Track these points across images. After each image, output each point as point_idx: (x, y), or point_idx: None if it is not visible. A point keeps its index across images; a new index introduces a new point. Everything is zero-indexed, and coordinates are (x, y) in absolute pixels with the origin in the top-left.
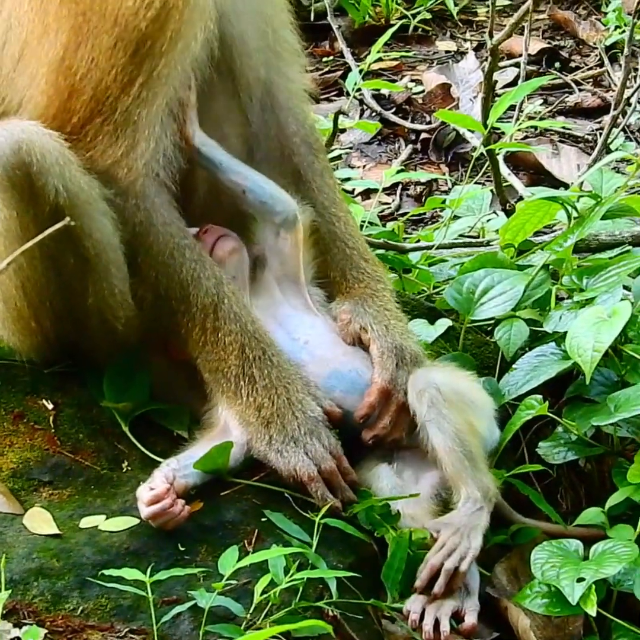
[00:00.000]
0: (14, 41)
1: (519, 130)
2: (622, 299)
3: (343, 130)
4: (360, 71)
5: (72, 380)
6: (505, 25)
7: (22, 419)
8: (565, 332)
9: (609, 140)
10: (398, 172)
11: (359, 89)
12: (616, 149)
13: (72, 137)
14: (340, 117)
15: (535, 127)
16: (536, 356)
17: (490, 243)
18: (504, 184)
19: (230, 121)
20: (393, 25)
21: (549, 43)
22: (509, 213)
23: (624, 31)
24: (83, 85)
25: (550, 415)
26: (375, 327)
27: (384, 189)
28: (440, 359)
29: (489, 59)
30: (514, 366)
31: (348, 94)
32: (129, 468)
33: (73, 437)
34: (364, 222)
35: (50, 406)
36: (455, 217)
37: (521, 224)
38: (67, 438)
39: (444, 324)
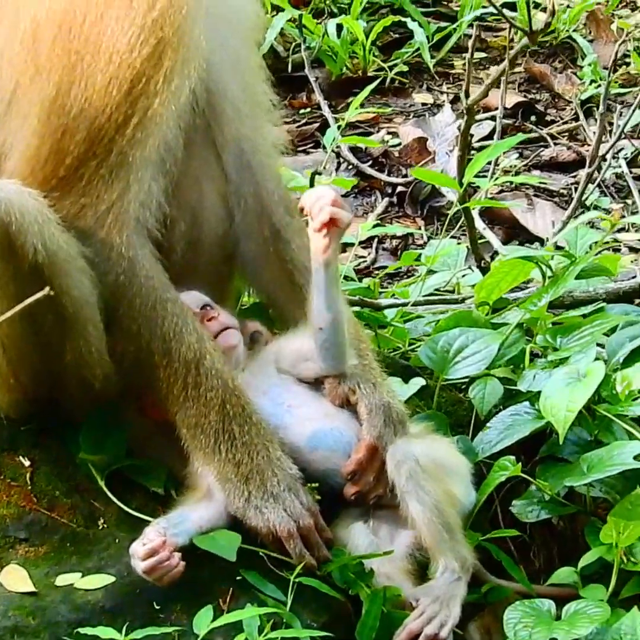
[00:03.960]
0: (5, 82)
1: (494, 184)
2: (595, 359)
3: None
4: (339, 127)
5: (49, 437)
6: (481, 78)
7: None
8: (539, 391)
9: (584, 197)
10: (374, 226)
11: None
12: (591, 204)
13: (64, 182)
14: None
15: (511, 181)
16: (510, 415)
17: (465, 300)
18: (480, 241)
19: (209, 178)
20: (370, 77)
21: (525, 96)
22: (483, 270)
23: (599, 85)
24: (77, 124)
25: (524, 475)
26: (363, 385)
27: (360, 242)
28: (414, 418)
29: (465, 117)
30: (488, 425)
31: (325, 147)
32: (105, 525)
33: (49, 493)
34: (340, 275)
35: (27, 463)
36: (431, 271)
37: (496, 282)
38: (43, 495)
39: (417, 383)
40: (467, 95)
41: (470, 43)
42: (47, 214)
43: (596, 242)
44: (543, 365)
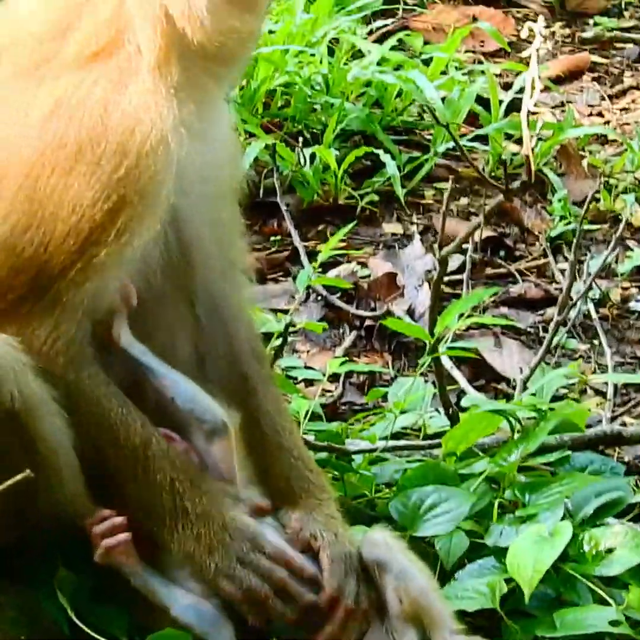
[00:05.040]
0: None
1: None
2: (563, 517)
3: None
4: (313, 266)
5: (15, 580)
6: (451, 210)
7: None
8: (506, 547)
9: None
10: (342, 364)
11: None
12: (559, 344)
13: (4, 315)
14: (287, 302)
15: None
16: (476, 569)
17: (432, 447)
18: (449, 387)
19: (182, 328)
20: (341, 205)
21: (494, 230)
22: (451, 417)
23: (569, 222)
24: (25, 265)
25: None
26: (325, 535)
27: (328, 377)
28: None
29: (437, 269)
30: (454, 577)
31: (295, 278)
32: None
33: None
34: (307, 412)
35: None
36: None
37: (464, 434)
38: None
39: None
40: (440, 247)
41: (442, 213)
42: (22, 360)
43: (565, 389)
44: (510, 520)
